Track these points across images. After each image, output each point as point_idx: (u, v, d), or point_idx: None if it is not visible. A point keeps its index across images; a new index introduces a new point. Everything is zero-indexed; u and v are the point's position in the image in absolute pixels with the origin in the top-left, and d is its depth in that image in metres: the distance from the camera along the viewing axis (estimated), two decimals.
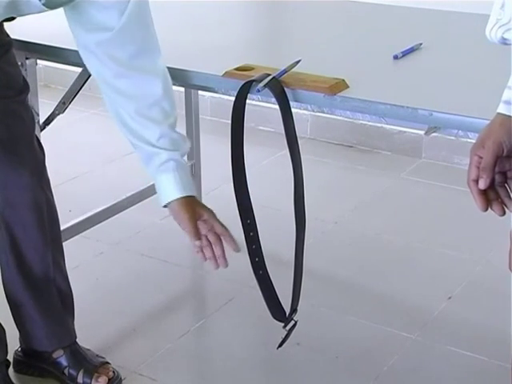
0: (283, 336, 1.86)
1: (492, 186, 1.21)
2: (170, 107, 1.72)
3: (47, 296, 2.01)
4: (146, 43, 1.69)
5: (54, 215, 2.01)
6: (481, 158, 1.20)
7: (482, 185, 1.20)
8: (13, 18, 1.80)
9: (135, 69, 1.67)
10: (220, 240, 1.73)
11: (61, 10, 1.81)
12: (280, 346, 1.87)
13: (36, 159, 1.93)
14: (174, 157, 1.71)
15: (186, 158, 1.78)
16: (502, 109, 1.21)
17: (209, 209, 1.74)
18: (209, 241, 1.73)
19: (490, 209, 1.23)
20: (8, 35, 1.87)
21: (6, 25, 1.84)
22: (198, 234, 1.70)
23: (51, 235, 1.98)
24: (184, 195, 1.71)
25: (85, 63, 1.73)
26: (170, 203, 1.71)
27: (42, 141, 2.01)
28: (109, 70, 1.68)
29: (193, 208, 1.71)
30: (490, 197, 1.22)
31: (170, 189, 1.71)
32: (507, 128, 1.19)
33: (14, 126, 1.87)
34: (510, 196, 1.22)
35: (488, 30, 1.24)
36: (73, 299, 2.08)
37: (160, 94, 1.69)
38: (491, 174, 1.20)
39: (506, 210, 1.22)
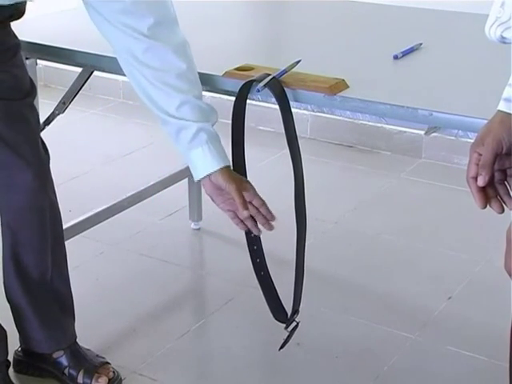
0: (285, 337, 1.86)
1: (491, 183, 1.21)
2: (195, 78, 1.70)
3: (44, 300, 2.01)
4: (163, 14, 1.67)
5: (57, 218, 2.00)
6: (480, 155, 1.20)
7: (481, 182, 1.20)
8: (20, 16, 1.79)
9: (156, 40, 1.65)
10: (259, 211, 1.71)
11: (61, 10, 1.82)
12: (282, 347, 1.87)
13: (41, 162, 1.93)
14: (204, 127, 1.67)
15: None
16: (502, 106, 1.21)
17: (248, 180, 1.73)
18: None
19: (488, 206, 1.22)
20: (16, 37, 1.86)
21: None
22: (246, 204, 1.68)
23: (52, 238, 1.98)
24: (223, 166, 1.68)
25: (110, 40, 1.71)
26: (209, 175, 1.68)
27: None
28: (133, 43, 1.66)
29: (238, 179, 1.69)
30: (489, 194, 1.22)
31: (208, 161, 1.67)
32: (507, 125, 1.19)
33: (19, 128, 1.86)
34: (509, 194, 1.22)
35: (487, 28, 1.23)
36: (72, 301, 2.07)
37: (184, 68, 1.67)
38: (490, 172, 1.20)
39: (504, 207, 1.22)
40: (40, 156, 1.92)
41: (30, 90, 1.90)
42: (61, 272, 2.03)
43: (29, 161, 1.88)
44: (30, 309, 2.00)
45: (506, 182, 1.23)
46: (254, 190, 1.71)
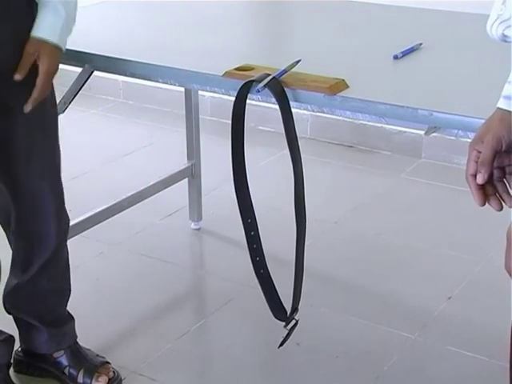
0: (284, 335, 1.86)
1: (490, 181, 1.21)
2: None
3: (41, 309, 2.02)
4: None
5: (63, 239, 2.02)
6: (479, 152, 1.20)
7: (480, 179, 1.19)
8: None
9: None
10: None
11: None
12: (281, 345, 1.87)
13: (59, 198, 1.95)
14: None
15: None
16: (501, 104, 1.21)
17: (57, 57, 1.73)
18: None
19: (487, 204, 1.22)
20: None
21: None
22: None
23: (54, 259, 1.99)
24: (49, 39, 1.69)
25: None
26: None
27: None
28: None
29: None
30: (488, 192, 1.21)
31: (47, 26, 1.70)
32: (507, 123, 1.18)
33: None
34: (508, 191, 1.22)
35: (489, 26, 1.23)
36: (64, 311, 2.07)
37: None
38: (489, 169, 1.19)
39: (503, 205, 1.22)
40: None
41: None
42: (57, 287, 2.03)
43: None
44: (29, 317, 2.02)
45: (505, 180, 1.22)
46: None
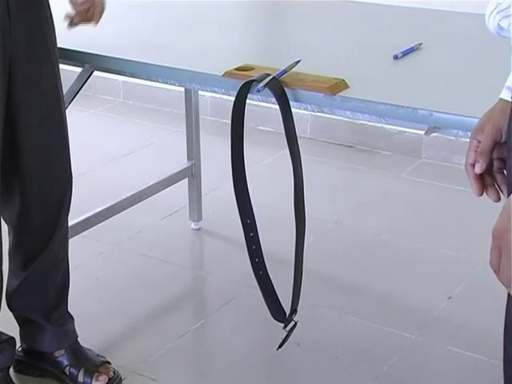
0: (283, 337, 1.86)
1: (489, 171, 1.21)
2: None
3: (45, 310, 2.02)
4: None
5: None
6: (479, 142, 1.20)
7: (478, 169, 1.19)
8: None
9: None
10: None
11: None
12: (280, 346, 1.87)
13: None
14: None
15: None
16: (504, 94, 1.20)
17: None
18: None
19: (485, 195, 1.22)
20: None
21: None
22: None
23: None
24: None
25: None
26: None
27: None
28: None
29: None
30: (486, 182, 1.21)
31: None
32: (507, 113, 1.18)
33: None
34: (506, 182, 1.21)
35: (487, 15, 1.21)
36: (67, 311, 2.07)
37: None
38: (488, 159, 1.19)
39: (501, 196, 1.21)
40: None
41: None
42: (58, 281, 2.04)
43: None
44: (34, 315, 2.02)
45: (504, 171, 1.22)
46: None
